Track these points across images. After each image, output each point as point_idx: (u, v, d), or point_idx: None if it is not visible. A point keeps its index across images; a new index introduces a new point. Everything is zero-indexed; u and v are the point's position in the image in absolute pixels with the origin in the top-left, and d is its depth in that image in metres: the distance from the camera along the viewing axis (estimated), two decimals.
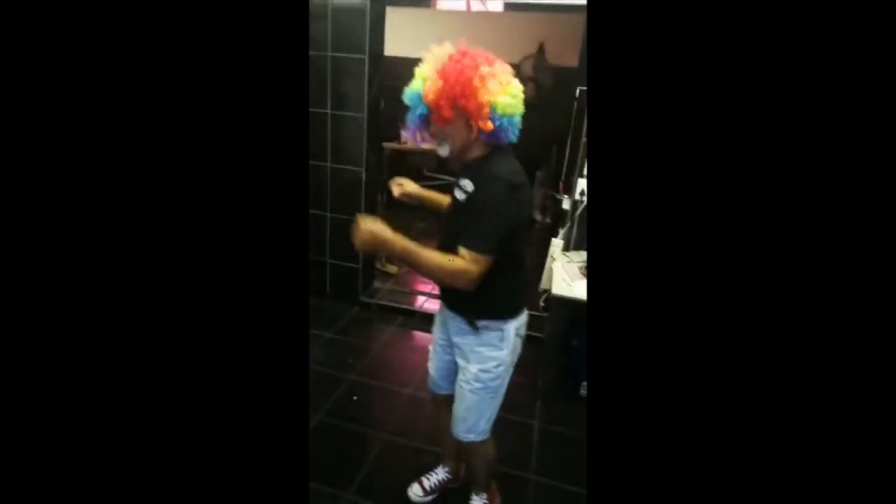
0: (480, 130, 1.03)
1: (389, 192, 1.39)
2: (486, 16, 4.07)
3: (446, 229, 1.19)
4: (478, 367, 1.20)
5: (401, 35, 3.05)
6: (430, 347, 1.40)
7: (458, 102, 1.01)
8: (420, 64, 1.08)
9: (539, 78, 4.20)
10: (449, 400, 1.33)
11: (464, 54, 1.04)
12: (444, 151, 1.11)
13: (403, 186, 1.32)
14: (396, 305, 2.85)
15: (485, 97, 1.00)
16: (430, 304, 2.93)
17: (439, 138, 1.09)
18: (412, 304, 2.93)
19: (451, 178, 3.90)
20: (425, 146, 1.27)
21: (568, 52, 3.46)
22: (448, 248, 1.08)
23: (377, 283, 3.06)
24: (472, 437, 1.28)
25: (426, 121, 1.09)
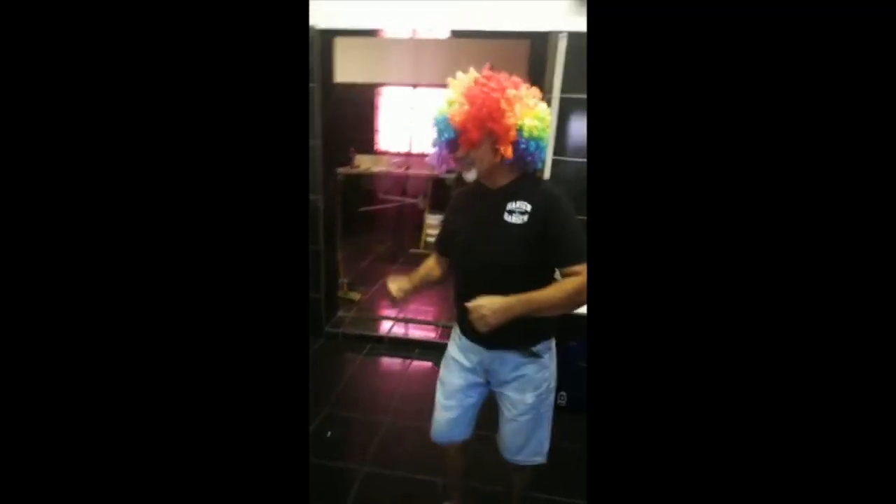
0: (509, 158, 1.05)
1: (346, 218, 1.42)
2: (433, 42, 4.17)
3: (498, 248, 1.10)
4: (535, 393, 1.18)
5: (351, 62, 3.06)
6: (439, 398, 1.31)
7: (485, 125, 1.01)
8: (446, 88, 1.07)
9: None
10: (465, 444, 1.34)
11: (489, 78, 1.04)
12: (470, 176, 1.10)
13: (400, 287, 1.30)
14: (363, 333, 2.78)
15: (511, 120, 1.01)
16: (397, 329, 2.89)
17: (466, 162, 1.08)
18: (378, 330, 2.87)
19: (407, 199, 3.91)
20: (443, 171, 1.23)
21: (515, 67, 3.61)
22: (495, 265, 1.09)
23: (341, 312, 2.97)
24: (538, 459, 1.27)
25: (453, 145, 1.06)
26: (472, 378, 1.24)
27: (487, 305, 1.00)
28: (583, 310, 1.02)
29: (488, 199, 1.12)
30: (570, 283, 1.02)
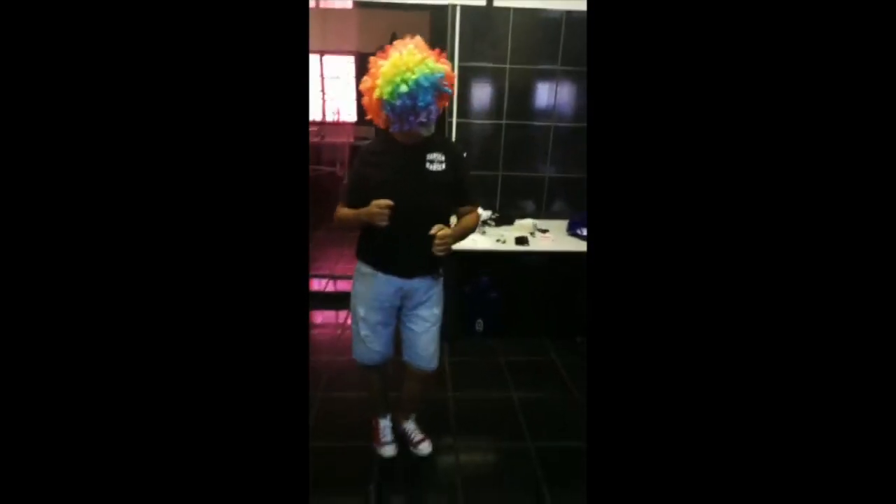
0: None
1: None
2: (336, 11, 4.23)
3: (424, 193, 1.33)
4: (439, 306, 1.52)
5: None
6: (366, 332, 1.50)
7: (448, 86, 1.24)
8: (408, 54, 1.20)
9: None
10: (387, 362, 1.61)
11: (421, 42, 1.26)
12: (427, 131, 1.31)
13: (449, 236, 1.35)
14: None
15: (452, 79, 1.27)
16: (330, 286, 3.13)
17: (426, 125, 1.26)
18: (312, 287, 3.09)
19: (324, 168, 4.12)
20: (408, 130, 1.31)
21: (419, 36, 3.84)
22: (425, 211, 1.32)
23: None
24: (436, 364, 1.56)
25: (440, 99, 1.25)
26: (390, 307, 1.49)
27: (448, 233, 1.31)
28: (479, 245, 1.37)
29: (408, 153, 1.33)
30: (475, 215, 1.42)
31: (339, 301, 2.95)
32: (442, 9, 2.40)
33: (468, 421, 1.92)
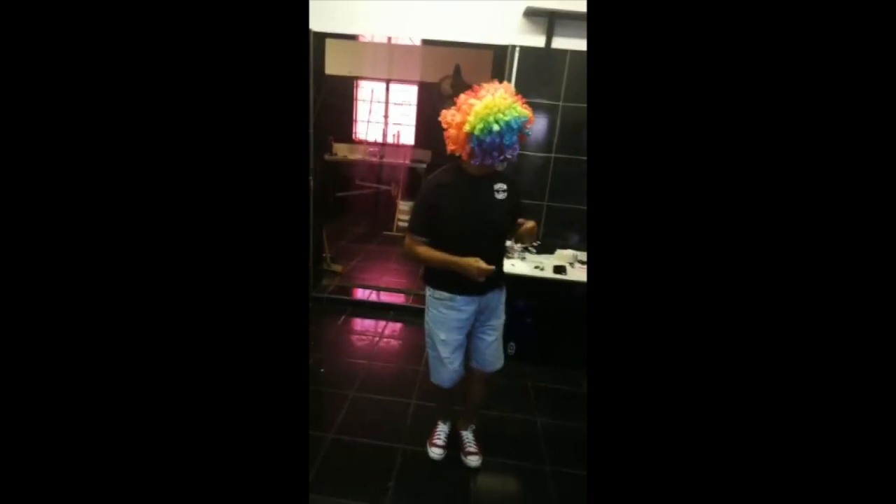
0: None
1: (334, 198, 1.73)
2: (407, 47, 4.57)
3: (493, 221, 1.51)
4: (504, 314, 1.67)
5: (338, 60, 3.44)
6: (447, 353, 1.59)
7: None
8: (500, 97, 1.34)
9: (457, 94, 4.77)
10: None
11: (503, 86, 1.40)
12: (501, 166, 1.48)
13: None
14: (344, 298, 3.19)
15: None
16: (373, 296, 3.31)
17: (513, 157, 1.41)
18: (357, 296, 3.29)
19: (381, 186, 4.38)
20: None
21: (480, 72, 4.06)
22: (495, 233, 1.53)
23: (325, 281, 3.36)
24: (502, 362, 1.71)
25: (521, 140, 1.39)
26: (467, 327, 1.62)
27: (480, 265, 1.40)
28: (518, 270, 1.46)
29: (478, 184, 1.48)
30: (532, 222, 1.55)
31: (382, 311, 3.11)
32: (503, 48, 2.58)
33: (488, 437, 1.98)
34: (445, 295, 1.55)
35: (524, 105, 1.38)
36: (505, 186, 1.51)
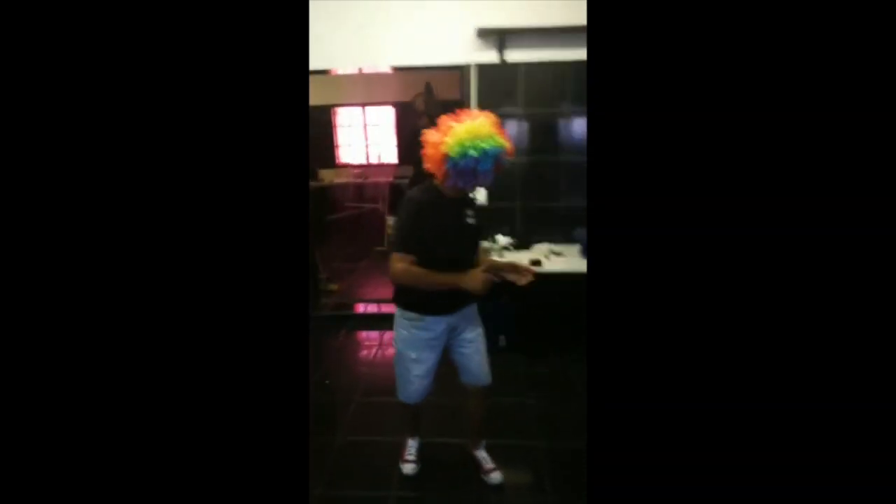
0: None
1: (325, 222, 1.81)
2: (378, 74, 4.83)
3: (464, 245, 1.54)
4: (479, 326, 1.68)
5: (315, 92, 3.66)
6: (418, 372, 1.62)
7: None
8: (480, 124, 1.36)
9: (430, 111, 5.00)
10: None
11: (484, 114, 1.42)
12: (473, 192, 1.55)
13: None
14: (343, 314, 3.38)
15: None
16: (370, 308, 3.49)
17: (485, 183, 1.42)
18: (354, 310, 3.47)
19: (368, 205, 4.60)
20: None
21: (451, 89, 4.29)
22: (466, 256, 1.52)
23: (323, 299, 3.55)
24: (490, 378, 1.70)
25: (497, 168, 1.40)
26: (439, 347, 1.63)
27: (480, 276, 1.43)
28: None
29: (454, 207, 1.50)
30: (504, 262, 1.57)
31: (379, 321, 3.30)
32: (462, 67, 2.80)
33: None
34: (414, 315, 1.56)
35: (503, 135, 1.40)
36: (472, 212, 1.56)
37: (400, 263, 1.45)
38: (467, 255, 1.55)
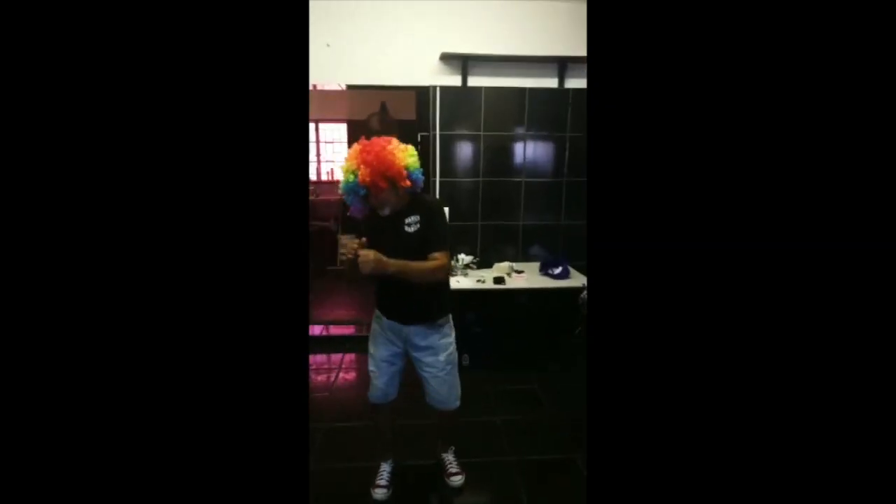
0: (405, 187, 1.49)
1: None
2: (332, 92, 4.79)
3: (401, 252, 1.48)
4: (444, 354, 1.66)
5: None
6: (373, 367, 1.72)
7: (386, 174, 1.44)
8: (352, 150, 1.49)
9: (385, 130, 5.02)
10: (392, 403, 1.79)
11: (371, 143, 1.48)
12: (386, 212, 1.53)
13: (371, 259, 1.41)
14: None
15: (401, 164, 1.46)
16: (324, 331, 3.37)
17: (381, 205, 1.51)
18: (312, 332, 3.34)
19: (319, 223, 4.47)
20: (364, 215, 1.60)
21: (406, 109, 4.33)
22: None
23: None
24: (457, 403, 1.75)
25: (366, 198, 1.50)
26: (394, 349, 1.69)
27: (368, 255, 1.39)
28: (462, 285, 1.63)
29: (387, 221, 1.55)
30: (432, 262, 1.51)
31: (334, 344, 3.19)
32: (425, 88, 2.85)
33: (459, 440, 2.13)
34: (378, 313, 1.70)
35: (372, 151, 1.45)
36: (418, 218, 1.55)
37: None
38: (406, 257, 1.50)
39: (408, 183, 1.49)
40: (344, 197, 1.52)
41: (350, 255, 1.43)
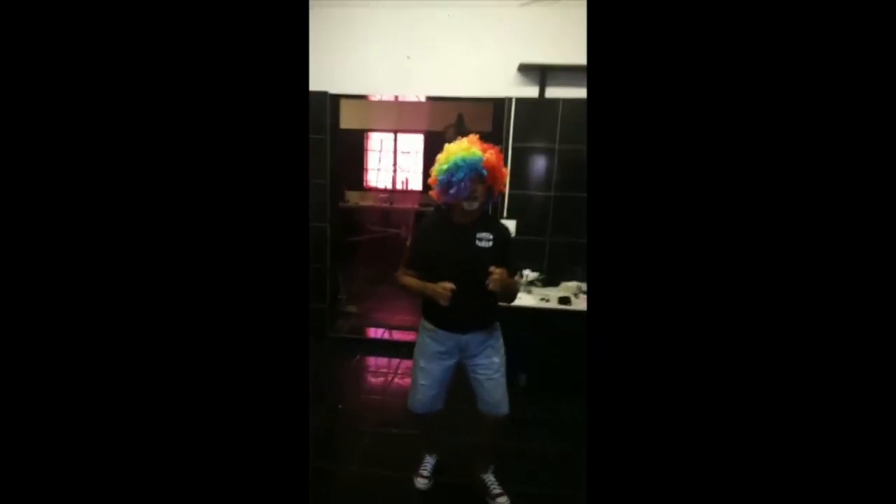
0: (492, 196, 1.57)
1: (347, 243, 1.83)
2: (413, 103, 4.94)
3: (470, 266, 1.53)
4: (498, 356, 1.69)
5: (351, 115, 3.74)
6: (423, 381, 1.69)
7: (499, 172, 1.54)
8: (456, 145, 1.52)
9: None
10: (440, 413, 1.77)
11: (481, 142, 1.56)
12: (472, 206, 1.54)
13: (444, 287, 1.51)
14: (359, 337, 3.31)
15: (505, 172, 1.58)
16: (386, 334, 3.42)
17: (473, 196, 1.51)
18: (369, 335, 3.41)
19: (391, 230, 4.62)
20: (451, 200, 1.55)
21: (482, 121, 4.34)
22: (474, 279, 1.49)
23: (340, 321, 3.50)
24: (505, 409, 1.70)
25: (479, 179, 1.49)
26: (448, 362, 1.68)
27: (500, 274, 1.48)
28: (525, 302, 1.60)
29: (460, 230, 1.58)
30: (516, 282, 1.67)
31: (394, 349, 3.22)
32: (501, 100, 2.82)
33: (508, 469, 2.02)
34: (430, 325, 1.67)
35: (488, 149, 1.52)
36: (491, 236, 1.58)
37: (398, 272, 1.67)
38: (478, 273, 1.50)
39: (504, 189, 1.59)
40: (451, 176, 1.48)
41: (448, 295, 1.50)
